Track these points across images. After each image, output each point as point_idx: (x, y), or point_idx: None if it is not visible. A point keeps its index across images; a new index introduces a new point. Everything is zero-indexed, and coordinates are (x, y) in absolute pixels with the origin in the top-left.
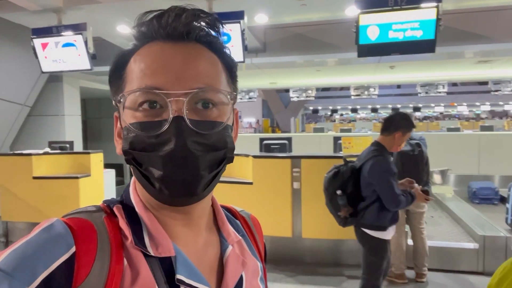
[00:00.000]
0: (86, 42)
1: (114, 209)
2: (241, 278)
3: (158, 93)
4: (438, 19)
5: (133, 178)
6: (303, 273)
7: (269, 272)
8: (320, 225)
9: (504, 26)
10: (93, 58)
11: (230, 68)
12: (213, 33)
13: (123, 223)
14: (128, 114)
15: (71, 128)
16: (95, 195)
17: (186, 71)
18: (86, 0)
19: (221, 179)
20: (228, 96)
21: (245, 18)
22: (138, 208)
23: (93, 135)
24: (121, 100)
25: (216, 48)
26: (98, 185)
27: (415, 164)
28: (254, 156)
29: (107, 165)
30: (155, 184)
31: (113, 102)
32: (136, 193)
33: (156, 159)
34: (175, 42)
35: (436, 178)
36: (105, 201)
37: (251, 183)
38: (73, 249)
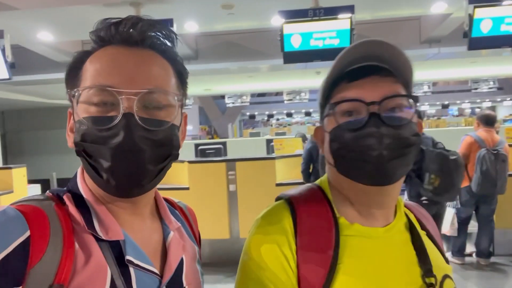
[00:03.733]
0: (3, 50)
1: (64, 197)
2: (181, 261)
3: (111, 91)
4: (351, 29)
5: (80, 168)
6: None
7: (209, 274)
8: None
9: (411, 34)
10: (11, 67)
11: (181, 74)
12: (167, 42)
13: (73, 210)
14: (82, 108)
15: None
16: None
17: (138, 73)
18: (3, 6)
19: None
20: (176, 98)
21: (175, 25)
22: (87, 196)
23: (14, 149)
24: (75, 94)
25: (169, 56)
26: None
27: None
28: (189, 162)
29: (31, 181)
30: (103, 175)
31: (68, 97)
32: (84, 183)
33: (105, 151)
34: (130, 47)
35: None
36: (51, 191)
37: (187, 188)
38: (28, 232)
